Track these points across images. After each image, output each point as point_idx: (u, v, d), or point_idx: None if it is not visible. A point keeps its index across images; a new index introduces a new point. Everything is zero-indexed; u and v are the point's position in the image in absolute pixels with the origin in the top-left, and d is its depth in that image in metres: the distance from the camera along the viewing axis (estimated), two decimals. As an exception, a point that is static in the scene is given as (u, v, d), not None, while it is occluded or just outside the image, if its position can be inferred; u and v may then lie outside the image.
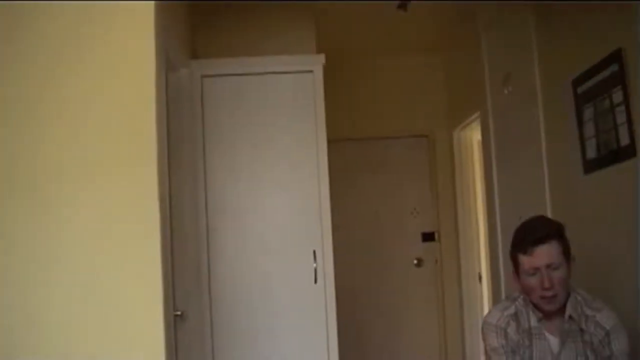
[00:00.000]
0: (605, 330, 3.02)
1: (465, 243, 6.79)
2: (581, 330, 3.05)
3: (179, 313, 4.04)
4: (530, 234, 3.07)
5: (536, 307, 3.10)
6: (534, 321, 3.12)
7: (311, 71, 4.72)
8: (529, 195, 4.83)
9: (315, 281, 4.58)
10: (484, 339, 3.20)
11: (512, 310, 3.17)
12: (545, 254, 3.01)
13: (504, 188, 5.52)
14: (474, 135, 6.75)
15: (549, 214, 4.29)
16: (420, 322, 6.99)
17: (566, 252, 3.06)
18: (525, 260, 3.05)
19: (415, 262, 7.04)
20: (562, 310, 3.09)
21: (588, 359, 3.05)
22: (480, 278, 6.67)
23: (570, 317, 3.06)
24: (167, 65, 3.81)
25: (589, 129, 3.85)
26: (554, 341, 3.10)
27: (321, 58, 4.74)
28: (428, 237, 7.08)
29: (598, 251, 3.81)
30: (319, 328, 4.57)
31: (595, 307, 3.08)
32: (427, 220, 7.10)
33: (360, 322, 6.77)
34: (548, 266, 3.01)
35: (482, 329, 3.23)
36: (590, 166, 3.89)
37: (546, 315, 3.11)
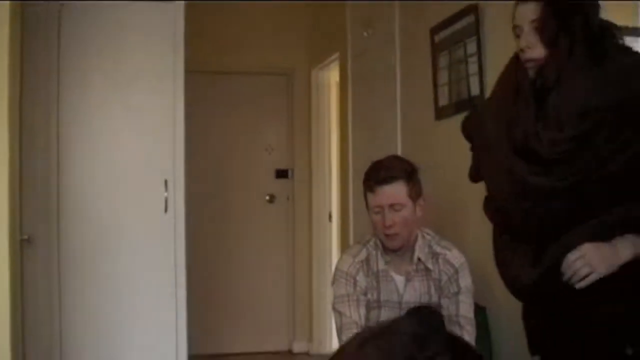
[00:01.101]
0: (454, 267, 3.14)
1: (318, 182, 6.91)
2: (428, 269, 3.16)
3: (25, 237, 3.97)
4: (377, 173, 3.11)
5: (384, 246, 3.19)
6: (381, 264, 3.18)
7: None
8: (381, 138, 4.96)
9: (166, 210, 4.57)
10: (333, 285, 3.24)
11: (363, 255, 3.21)
12: (388, 194, 3.05)
13: (358, 129, 5.63)
14: (332, 75, 6.82)
15: (400, 157, 4.42)
16: (271, 256, 7.09)
17: (413, 194, 3.09)
18: (370, 198, 3.10)
19: (267, 198, 7.11)
20: (411, 250, 3.17)
21: (432, 297, 3.16)
22: (330, 217, 6.82)
23: (418, 259, 3.15)
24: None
25: (443, 77, 3.97)
26: (399, 280, 3.18)
27: (183, -13, 4.66)
28: (282, 174, 7.15)
29: (446, 195, 3.97)
30: (168, 257, 4.57)
31: (444, 245, 3.19)
32: (282, 157, 7.16)
33: (210, 253, 6.80)
34: (391, 206, 3.05)
35: (334, 275, 3.26)
36: (442, 113, 4.03)
37: (394, 255, 3.19)
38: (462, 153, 3.84)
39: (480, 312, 3.45)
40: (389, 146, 4.66)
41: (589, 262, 2.20)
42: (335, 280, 3.23)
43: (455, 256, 3.17)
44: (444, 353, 0.96)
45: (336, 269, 3.27)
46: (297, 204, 7.08)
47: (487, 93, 3.50)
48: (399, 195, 3.06)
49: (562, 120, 2.25)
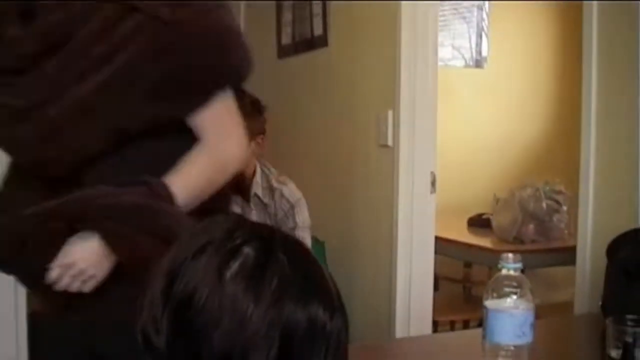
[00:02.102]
0: (290, 203, 3.20)
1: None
2: (264, 204, 3.23)
3: None
4: None
5: None
6: (219, 195, 3.20)
7: None
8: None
9: None
10: None
11: None
12: None
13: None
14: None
15: (243, 94, 4.45)
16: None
17: (255, 130, 3.03)
18: None
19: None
20: (247, 185, 3.22)
21: (267, 231, 3.20)
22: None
23: (255, 194, 3.22)
24: None
25: (287, 16, 4.01)
26: (236, 211, 3.23)
27: None
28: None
29: (290, 133, 4.03)
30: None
31: (281, 180, 3.24)
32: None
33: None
34: None
35: None
36: (284, 52, 4.08)
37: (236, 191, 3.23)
38: (306, 91, 3.93)
39: (319, 246, 3.56)
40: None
41: (82, 274, 1.59)
42: None
43: (291, 192, 3.22)
44: (250, 241, 1.01)
45: None
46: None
47: (331, 33, 3.59)
48: None
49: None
